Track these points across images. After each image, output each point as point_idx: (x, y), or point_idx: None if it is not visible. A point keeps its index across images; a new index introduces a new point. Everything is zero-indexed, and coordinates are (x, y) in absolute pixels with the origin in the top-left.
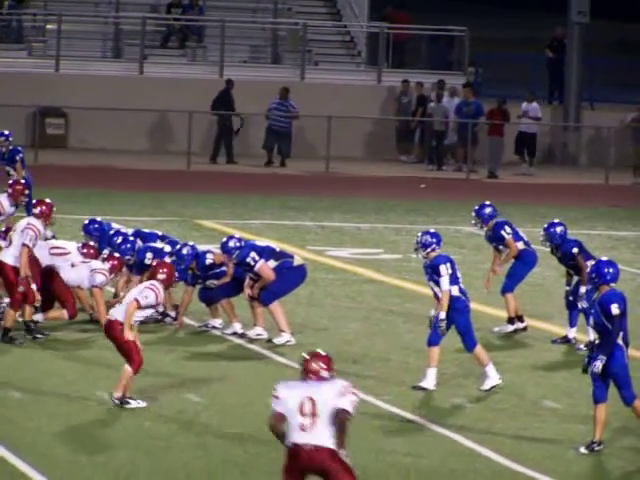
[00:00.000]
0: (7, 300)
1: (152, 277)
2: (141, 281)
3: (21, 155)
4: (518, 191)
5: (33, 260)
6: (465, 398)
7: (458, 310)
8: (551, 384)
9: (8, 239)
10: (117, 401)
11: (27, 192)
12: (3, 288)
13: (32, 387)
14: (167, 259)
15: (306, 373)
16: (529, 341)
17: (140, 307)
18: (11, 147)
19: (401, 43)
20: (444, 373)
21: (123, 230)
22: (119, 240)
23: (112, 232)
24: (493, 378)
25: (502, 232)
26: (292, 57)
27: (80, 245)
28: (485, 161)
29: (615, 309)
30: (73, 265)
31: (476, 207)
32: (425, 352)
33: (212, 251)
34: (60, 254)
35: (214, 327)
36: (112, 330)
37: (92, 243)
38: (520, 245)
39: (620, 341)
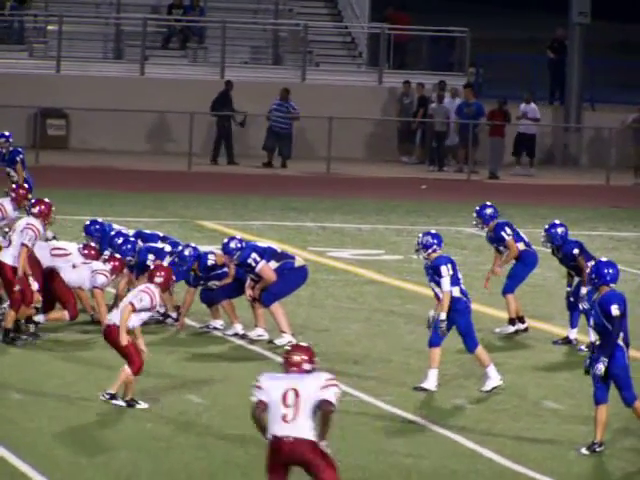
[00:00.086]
0: (8, 302)
1: (149, 280)
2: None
3: (21, 156)
4: (519, 192)
5: (34, 261)
6: (466, 399)
7: (459, 311)
8: (552, 385)
9: (8, 239)
10: (107, 396)
11: (30, 196)
12: (2, 289)
13: (33, 388)
14: (168, 258)
15: (288, 365)
16: (530, 342)
17: (135, 310)
18: (11, 148)
19: (402, 44)
20: (445, 374)
21: (124, 231)
22: (120, 241)
23: (113, 233)
24: (494, 379)
25: (503, 233)
26: (293, 58)
27: (81, 246)
28: (486, 162)
29: (615, 310)
30: (74, 266)
31: (477, 208)
32: (426, 353)
33: (214, 252)
34: (61, 255)
35: (215, 328)
36: (110, 334)
37: (93, 244)
38: (521, 246)
39: (620, 342)
